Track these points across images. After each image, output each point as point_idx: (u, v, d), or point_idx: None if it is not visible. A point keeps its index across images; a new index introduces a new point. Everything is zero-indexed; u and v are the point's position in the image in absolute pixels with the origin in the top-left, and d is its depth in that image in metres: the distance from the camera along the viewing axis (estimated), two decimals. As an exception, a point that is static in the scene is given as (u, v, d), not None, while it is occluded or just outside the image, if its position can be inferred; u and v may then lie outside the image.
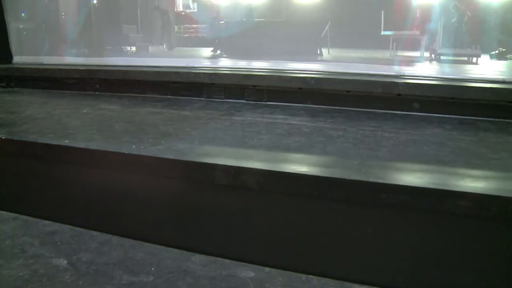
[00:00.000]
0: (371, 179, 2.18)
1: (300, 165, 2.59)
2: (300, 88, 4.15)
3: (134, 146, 2.75)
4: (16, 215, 2.99)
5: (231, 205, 2.48)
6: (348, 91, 4.02)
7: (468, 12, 10.59)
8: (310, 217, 2.34)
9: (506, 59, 10.35)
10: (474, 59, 9.48)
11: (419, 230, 2.17)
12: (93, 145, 2.81)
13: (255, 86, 4.32)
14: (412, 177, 2.34)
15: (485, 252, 2.07)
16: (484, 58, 9.79)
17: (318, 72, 4.60)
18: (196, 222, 2.58)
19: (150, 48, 12.79)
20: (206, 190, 2.52)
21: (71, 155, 2.84)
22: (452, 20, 9.95)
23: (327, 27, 10.51)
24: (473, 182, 2.19)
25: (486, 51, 10.00)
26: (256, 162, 2.57)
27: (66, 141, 2.93)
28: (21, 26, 9.63)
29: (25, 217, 2.95)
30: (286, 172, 2.33)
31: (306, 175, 2.31)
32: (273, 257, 2.39)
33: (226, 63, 8.37)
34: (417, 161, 2.52)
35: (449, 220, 2.08)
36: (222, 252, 2.48)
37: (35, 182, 3.01)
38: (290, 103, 4.25)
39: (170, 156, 2.57)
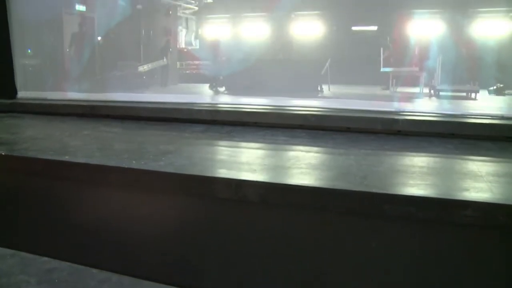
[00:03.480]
0: (374, 190, 2.16)
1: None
2: (301, 125, 4.17)
3: (134, 162, 2.75)
4: (14, 251, 2.94)
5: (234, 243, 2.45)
6: (349, 128, 4.04)
7: (465, 49, 10.78)
8: (313, 229, 2.31)
9: (504, 94, 10.47)
10: (473, 95, 9.55)
11: (424, 241, 2.13)
12: (93, 161, 2.81)
13: (256, 123, 4.35)
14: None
15: (492, 262, 2.03)
16: (483, 94, 9.89)
17: (319, 109, 4.63)
18: (199, 262, 2.55)
19: (153, 85, 12.94)
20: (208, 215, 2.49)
21: (71, 170, 2.81)
22: (450, 57, 10.10)
23: (327, 64, 10.67)
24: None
25: (484, 86, 10.12)
26: (257, 175, 2.57)
27: (66, 157, 2.93)
28: (27, 62, 9.82)
29: (23, 253, 2.90)
30: (288, 184, 2.32)
31: (308, 187, 2.29)
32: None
33: (227, 100, 8.46)
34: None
35: (455, 230, 2.05)
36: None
37: (33, 210, 2.98)
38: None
39: (171, 170, 2.57)
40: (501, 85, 10.51)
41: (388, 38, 12.13)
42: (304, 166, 2.74)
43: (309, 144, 3.59)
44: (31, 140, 3.69)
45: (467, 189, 2.27)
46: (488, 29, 12.47)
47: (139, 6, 14.00)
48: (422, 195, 2.15)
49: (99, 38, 12.95)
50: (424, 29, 12.72)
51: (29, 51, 10.18)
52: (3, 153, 3.12)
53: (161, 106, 5.28)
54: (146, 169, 2.64)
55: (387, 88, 10.78)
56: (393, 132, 3.98)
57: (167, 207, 2.63)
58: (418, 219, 2.09)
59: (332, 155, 3.28)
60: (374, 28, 13.76)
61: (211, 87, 12.04)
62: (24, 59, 9.56)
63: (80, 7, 12.23)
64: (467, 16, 12.35)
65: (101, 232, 2.80)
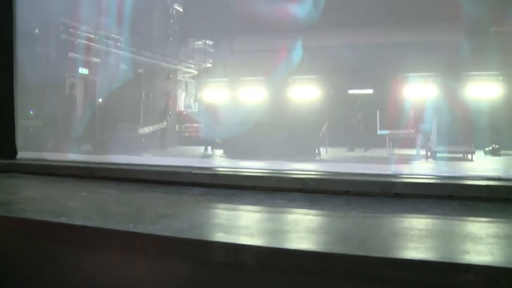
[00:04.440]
0: (373, 254, 2.13)
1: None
2: (299, 189, 4.18)
3: (131, 225, 2.72)
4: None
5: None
6: (347, 191, 4.05)
7: (459, 111, 10.99)
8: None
9: (499, 155, 10.56)
10: (469, 156, 9.62)
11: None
12: (90, 223, 2.77)
13: (254, 186, 4.36)
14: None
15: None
16: (479, 155, 9.96)
17: (317, 172, 4.65)
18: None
19: (152, 147, 13.02)
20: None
21: (68, 232, 2.77)
22: (445, 119, 10.26)
23: (324, 127, 10.82)
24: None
25: (479, 147, 10.23)
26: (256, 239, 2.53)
27: (63, 218, 2.89)
28: (28, 123, 9.95)
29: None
30: (286, 249, 2.29)
31: (306, 251, 2.25)
32: None
33: (225, 163, 8.50)
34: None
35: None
36: None
37: (29, 271, 2.90)
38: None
39: (169, 234, 2.54)
40: (497, 146, 10.63)
41: (358, 102, 12.57)
42: (302, 230, 2.73)
43: (308, 208, 3.59)
44: (29, 200, 3.69)
45: (467, 252, 2.25)
46: (480, 91, 12.79)
47: (140, 70, 14.37)
48: (422, 259, 2.13)
49: (100, 100, 13.19)
50: (419, 92, 13.03)
51: (31, 112, 10.36)
52: (-1, 214, 3.11)
53: (160, 169, 5.30)
54: (143, 232, 2.63)
55: (352, 150, 11.01)
56: (391, 194, 3.99)
57: (164, 271, 2.59)
58: (419, 284, 2.06)
59: (331, 219, 3.27)
60: (370, 91, 14.09)
61: (205, 151, 12.17)
62: (26, 120, 9.71)
63: (83, 70, 12.55)
64: (460, 80, 12.69)
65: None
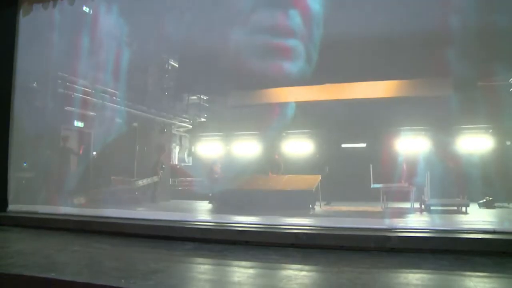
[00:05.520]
0: None
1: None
2: (293, 244, 4.14)
3: (123, 281, 2.65)
4: None
5: None
6: (341, 246, 4.01)
7: (452, 164, 11.07)
8: None
9: (494, 207, 10.54)
10: (463, 209, 9.58)
11: None
12: (80, 279, 2.70)
13: (247, 241, 4.31)
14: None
15: None
16: (473, 207, 9.93)
17: (310, 227, 4.62)
18: None
19: (145, 200, 12.91)
20: None
21: None
22: (438, 172, 10.30)
23: (318, 182, 10.82)
24: None
25: (473, 200, 10.22)
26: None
27: (53, 274, 2.81)
28: (21, 175, 9.88)
29: None
30: None
31: None
32: None
33: (219, 218, 8.42)
34: None
35: None
36: None
37: None
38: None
39: None
40: (490, 198, 10.62)
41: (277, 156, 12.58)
42: (296, 286, 2.69)
43: (301, 263, 3.55)
44: (17, 254, 3.62)
45: (464, 310, 2.22)
46: (472, 144, 12.93)
47: (135, 124, 14.49)
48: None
49: (94, 153, 13.21)
50: (411, 146, 13.16)
51: (24, 164, 10.32)
52: (-16, 270, 3.05)
53: (152, 223, 5.27)
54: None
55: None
56: (386, 249, 3.96)
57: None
58: None
59: (325, 274, 3.22)
60: (363, 145, 14.22)
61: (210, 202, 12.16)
62: (19, 171, 9.66)
63: (79, 123, 12.63)
64: (451, 133, 12.86)
65: None
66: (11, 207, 6.76)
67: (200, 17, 10.54)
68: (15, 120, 7.44)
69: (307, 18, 10.85)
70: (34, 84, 10.58)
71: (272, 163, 12.90)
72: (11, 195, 6.95)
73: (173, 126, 16.48)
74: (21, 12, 7.87)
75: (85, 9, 11.35)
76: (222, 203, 11.39)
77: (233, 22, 10.82)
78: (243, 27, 10.85)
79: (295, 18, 11.01)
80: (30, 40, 8.24)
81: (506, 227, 4.87)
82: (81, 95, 11.85)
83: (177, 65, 15.71)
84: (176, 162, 18.20)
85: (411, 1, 9.49)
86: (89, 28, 11.14)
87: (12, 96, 7.52)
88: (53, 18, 9.10)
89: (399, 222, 5.74)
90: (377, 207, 10.13)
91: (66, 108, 11.69)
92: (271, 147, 13.77)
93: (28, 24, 8.06)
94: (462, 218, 8.46)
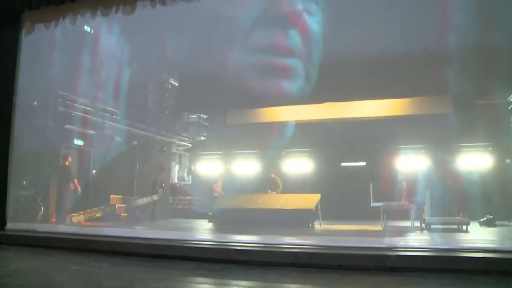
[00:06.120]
0: None
1: None
2: (292, 263, 4.11)
3: None
4: None
5: None
6: (341, 265, 3.99)
7: (452, 182, 11.04)
8: None
9: (495, 225, 10.47)
10: (464, 227, 9.51)
11: None
12: None
13: (246, 261, 4.28)
14: None
15: None
16: (474, 225, 9.87)
17: (310, 246, 4.60)
18: None
19: (144, 219, 12.85)
20: None
21: None
22: (438, 190, 10.27)
23: (318, 200, 10.77)
24: None
25: (473, 218, 10.16)
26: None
27: None
28: (20, 193, 9.85)
29: None
30: None
31: None
32: None
33: (218, 237, 8.39)
34: None
35: None
36: None
37: None
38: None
39: None
40: (491, 217, 10.57)
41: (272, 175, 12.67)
42: (296, 307, 2.66)
43: (301, 283, 3.52)
44: (15, 274, 3.59)
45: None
46: (472, 162, 12.94)
47: (134, 142, 14.51)
48: None
49: (94, 171, 13.20)
50: (411, 164, 13.17)
51: (24, 182, 10.30)
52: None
53: (151, 242, 5.24)
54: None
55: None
56: (386, 268, 3.94)
57: None
58: None
59: (325, 294, 3.20)
60: (363, 163, 14.22)
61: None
62: (18, 189, 9.64)
63: (78, 142, 12.64)
64: (451, 151, 12.88)
65: None
66: (9, 225, 6.73)
67: (200, 36, 10.63)
68: (15, 138, 7.46)
69: (306, 38, 10.95)
70: (35, 103, 10.62)
71: (269, 182, 12.87)
72: (9, 213, 6.93)
73: (172, 145, 16.50)
74: (23, 31, 7.96)
75: (86, 28, 11.46)
76: (221, 222, 11.34)
77: (233, 41, 10.91)
78: (243, 46, 10.94)
79: (294, 38, 11.11)
80: (31, 58, 8.32)
81: (508, 245, 4.84)
82: (81, 114, 11.88)
83: (177, 84, 15.80)
84: (176, 181, 18.17)
85: (409, 20, 9.58)
86: (90, 47, 11.24)
87: (13, 114, 7.56)
88: (54, 37, 9.19)
89: (399, 241, 5.70)
90: (377, 226, 10.07)
91: (66, 126, 11.72)
92: (271, 166, 13.76)
93: (30, 43, 8.14)
94: (462, 236, 8.40)
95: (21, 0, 7.40)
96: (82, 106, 11.87)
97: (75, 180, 11.00)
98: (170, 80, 15.74)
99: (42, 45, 9.09)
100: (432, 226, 9.62)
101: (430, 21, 9.53)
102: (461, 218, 10.02)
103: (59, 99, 11.29)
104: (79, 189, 10.99)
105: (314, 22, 10.58)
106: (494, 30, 9.20)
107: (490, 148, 13.12)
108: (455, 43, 9.37)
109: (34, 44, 8.35)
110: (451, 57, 9.61)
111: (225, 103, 13.56)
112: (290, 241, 5.08)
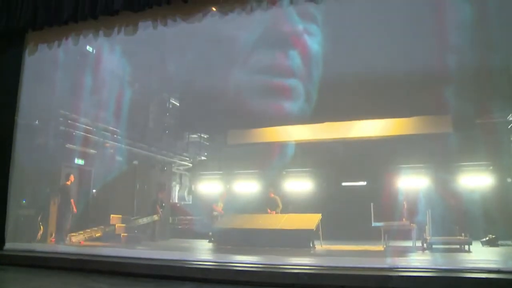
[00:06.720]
0: None
1: None
2: (293, 284, 4.08)
3: None
4: None
5: None
6: (342, 286, 3.96)
7: (453, 202, 11.00)
8: None
9: (497, 245, 10.38)
10: (466, 247, 9.44)
11: None
12: None
13: (248, 281, 4.25)
14: None
15: None
16: (476, 245, 9.79)
17: (311, 267, 4.57)
18: None
19: (144, 239, 12.77)
20: None
21: None
22: (439, 210, 10.22)
23: (318, 221, 10.72)
24: None
25: (475, 237, 10.09)
26: None
27: None
28: (20, 212, 9.80)
29: None
30: None
31: None
32: None
33: (219, 257, 8.33)
34: None
35: None
36: None
37: None
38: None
39: None
40: (493, 236, 10.50)
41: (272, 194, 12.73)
42: (297, 329, 2.64)
43: (303, 304, 3.49)
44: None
45: None
46: (473, 181, 12.91)
47: (135, 162, 14.52)
48: None
49: (94, 190, 13.19)
50: (412, 184, 13.13)
51: (23, 201, 10.28)
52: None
53: (151, 262, 5.21)
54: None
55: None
56: (387, 289, 3.91)
57: None
58: None
59: (327, 316, 3.17)
60: (364, 183, 14.20)
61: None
62: (18, 209, 9.61)
63: (79, 161, 12.67)
64: (452, 170, 12.86)
65: None
66: (8, 245, 6.70)
67: (201, 57, 10.72)
68: (16, 157, 7.47)
69: (306, 58, 11.04)
70: (36, 122, 10.66)
71: (269, 201, 12.83)
72: (8, 233, 6.90)
73: (173, 164, 16.50)
74: (26, 51, 8.05)
75: (89, 48, 11.57)
76: (222, 242, 11.27)
77: (234, 62, 11.00)
78: (243, 66, 11.02)
79: (295, 58, 11.20)
80: (34, 78, 8.39)
81: (511, 266, 4.80)
82: (82, 133, 11.92)
83: (178, 104, 15.88)
84: (176, 201, 18.12)
85: (409, 40, 9.67)
86: (92, 67, 11.33)
87: (14, 134, 7.59)
88: (57, 57, 9.28)
89: (401, 261, 5.67)
90: (378, 246, 9.99)
91: (67, 146, 11.75)
92: (271, 185, 13.73)
93: (33, 62, 8.22)
94: (465, 256, 8.33)
95: (25, 21, 7.49)
96: (83, 126, 11.91)
97: (72, 200, 10.97)
98: (171, 100, 15.83)
99: (45, 65, 9.16)
100: (433, 246, 9.54)
101: (429, 41, 9.62)
102: (463, 237, 9.94)
103: (61, 119, 11.34)
104: (75, 209, 10.94)
105: (314, 43, 10.67)
106: (492, 50, 9.28)
107: (491, 167, 13.10)
108: (454, 63, 9.44)
109: (37, 64, 8.43)
110: (451, 77, 9.67)
111: (225, 123, 13.63)
112: (291, 262, 5.05)
